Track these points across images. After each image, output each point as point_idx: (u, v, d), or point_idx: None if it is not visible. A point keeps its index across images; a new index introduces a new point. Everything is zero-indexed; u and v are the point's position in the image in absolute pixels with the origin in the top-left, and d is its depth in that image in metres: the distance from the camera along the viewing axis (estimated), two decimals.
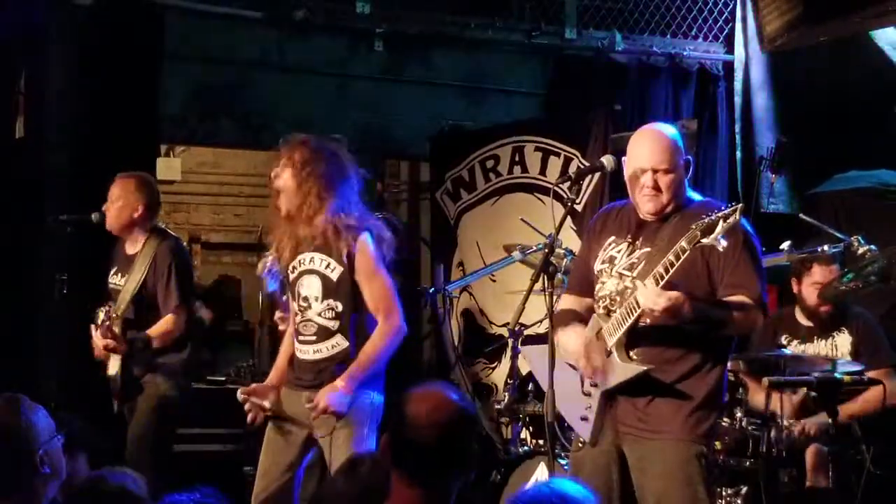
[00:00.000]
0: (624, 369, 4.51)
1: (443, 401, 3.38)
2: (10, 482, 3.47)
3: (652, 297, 4.30)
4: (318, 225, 5.14)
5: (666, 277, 4.31)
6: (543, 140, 8.44)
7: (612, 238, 4.72)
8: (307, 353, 5.22)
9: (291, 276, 5.28)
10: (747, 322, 4.51)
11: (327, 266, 5.16)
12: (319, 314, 5.18)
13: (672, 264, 4.28)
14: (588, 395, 4.66)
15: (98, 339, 6.34)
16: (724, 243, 4.19)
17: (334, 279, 5.15)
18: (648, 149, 4.61)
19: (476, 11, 9.50)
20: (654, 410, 4.54)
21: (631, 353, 4.53)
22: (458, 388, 3.53)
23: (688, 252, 4.25)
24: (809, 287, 6.45)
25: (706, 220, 4.21)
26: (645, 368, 4.47)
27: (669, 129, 4.72)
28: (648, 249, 4.55)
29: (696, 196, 4.76)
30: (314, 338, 5.19)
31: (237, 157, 11.93)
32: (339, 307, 5.16)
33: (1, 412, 3.53)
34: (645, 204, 4.60)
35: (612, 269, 4.65)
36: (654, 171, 4.55)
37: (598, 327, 4.61)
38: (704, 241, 4.20)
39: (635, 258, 4.59)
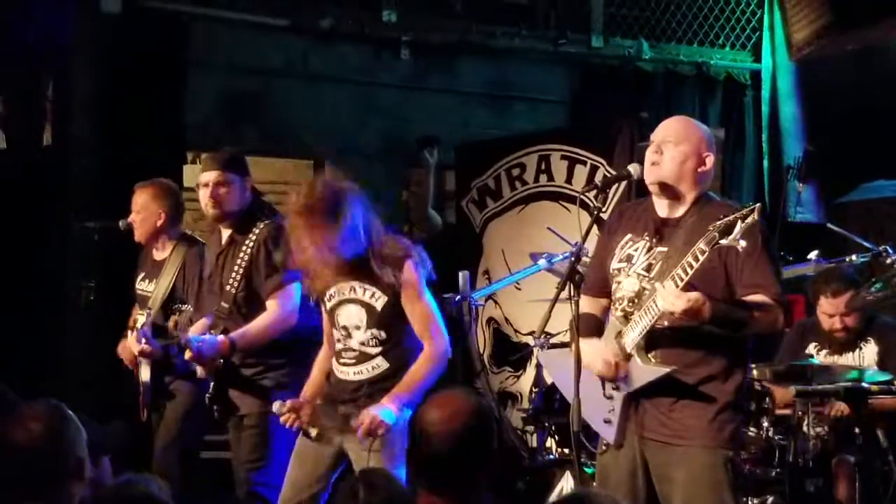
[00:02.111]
0: (646, 372, 4.48)
1: (455, 406, 3.37)
2: (47, 487, 3.50)
3: (671, 299, 4.27)
4: (358, 259, 5.05)
5: (685, 279, 4.28)
6: (569, 148, 8.43)
7: (629, 235, 4.69)
8: (347, 374, 5.18)
9: (329, 304, 5.21)
10: (768, 321, 4.46)
11: (371, 295, 5.09)
12: (362, 343, 5.11)
13: (691, 266, 4.25)
14: (610, 398, 4.63)
15: (133, 344, 6.32)
16: (743, 244, 4.16)
17: (378, 308, 5.08)
18: (662, 126, 4.65)
19: (502, 20, 9.51)
20: (677, 415, 4.50)
21: (650, 356, 4.51)
22: (475, 393, 3.51)
23: (707, 254, 4.23)
24: (822, 315, 6.45)
25: (724, 221, 4.18)
26: (668, 370, 4.44)
27: (695, 120, 4.76)
28: (666, 249, 4.52)
29: (716, 196, 4.74)
30: (354, 361, 5.14)
31: (263, 164, 11.92)
32: (383, 335, 5.09)
33: (42, 418, 3.56)
34: (646, 175, 4.60)
35: (629, 269, 4.62)
36: (661, 143, 4.56)
37: (616, 330, 4.60)
38: (723, 242, 4.17)
39: (652, 258, 4.56)
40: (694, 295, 4.27)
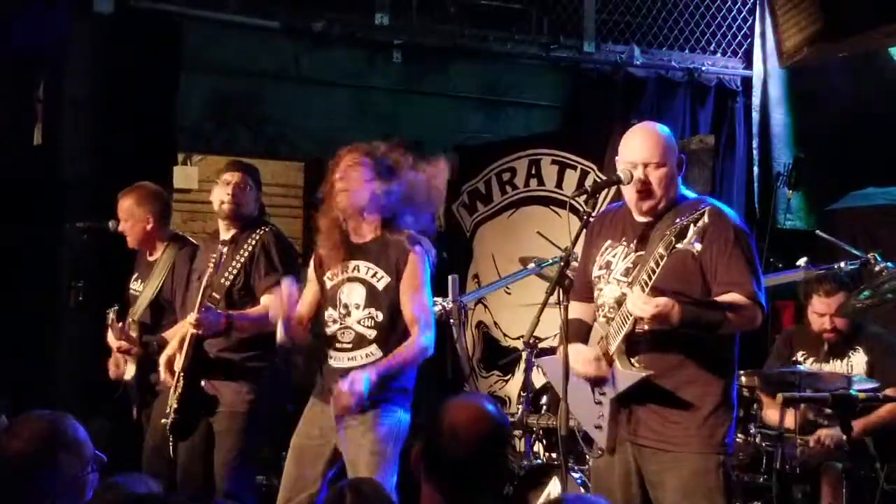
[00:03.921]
0: (626, 376, 4.49)
1: (482, 413, 3.35)
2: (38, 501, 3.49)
3: (639, 305, 4.30)
4: (371, 234, 5.18)
5: (650, 283, 4.29)
6: (560, 153, 8.44)
7: (609, 241, 4.71)
8: (341, 360, 5.20)
9: (329, 284, 5.26)
10: (743, 320, 4.45)
11: (374, 275, 5.15)
12: (359, 321, 5.16)
13: (654, 271, 4.27)
14: (599, 403, 4.65)
15: (112, 341, 6.35)
16: (697, 247, 4.17)
17: (379, 288, 5.14)
18: (639, 143, 4.62)
19: (494, 24, 9.52)
20: (666, 420, 4.51)
21: (632, 360, 4.52)
22: (494, 400, 3.49)
23: (666, 258, 4.24)
24: (812, 314, 6.45)
25: (678, 225, 4.18)
26: (645, 374, 4.46)
27: (660, 126, 4.73)
28: (642, 253, 4.53)
29: (691, 194, 4.74)
30: (350, 345, 5.17)
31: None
32: (379, 317, 5.13)
33: (35, 432, 3.54)
34: (637, 202, 4.59)
35: (609, 276, 4.63)
36: (645, 166, 4.55)
37: (600, 335, 4.61)
38: (679, 246, 4.18)
39: (630, 263, 4.58)
40: (662, 300, 4.30)
